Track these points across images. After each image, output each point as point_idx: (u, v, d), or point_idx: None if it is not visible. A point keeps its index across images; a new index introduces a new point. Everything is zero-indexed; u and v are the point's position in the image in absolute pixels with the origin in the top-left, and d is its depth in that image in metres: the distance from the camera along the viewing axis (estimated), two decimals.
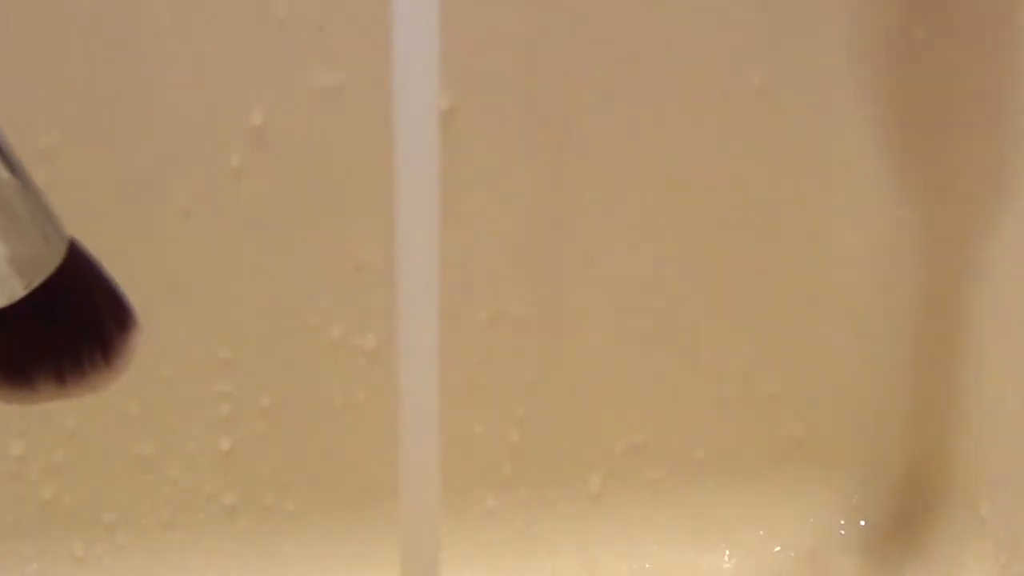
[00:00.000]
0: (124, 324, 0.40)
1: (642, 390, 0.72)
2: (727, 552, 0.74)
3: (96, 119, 0.64)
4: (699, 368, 0.72)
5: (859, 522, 0.74)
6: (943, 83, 0.68)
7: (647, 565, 0.73)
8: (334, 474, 0.72)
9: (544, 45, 0.67)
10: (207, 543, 0.71)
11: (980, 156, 0.68)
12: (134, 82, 0.64)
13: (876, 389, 0.73)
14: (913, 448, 0.73)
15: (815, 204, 0.71)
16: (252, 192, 0.67)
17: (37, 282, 0.38)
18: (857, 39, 0.68)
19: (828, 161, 0.70)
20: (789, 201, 0.70)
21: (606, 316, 0.71)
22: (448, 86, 0.60)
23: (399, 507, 0.72)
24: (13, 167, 0.38)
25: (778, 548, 0.74)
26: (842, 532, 0.74)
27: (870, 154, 0.69)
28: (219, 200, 0.66)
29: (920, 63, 0.68)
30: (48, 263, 0.38)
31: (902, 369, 0.72)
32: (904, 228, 0.70)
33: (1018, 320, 0.67)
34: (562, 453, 0.73)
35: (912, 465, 0.73)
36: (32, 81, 0.63)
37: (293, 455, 0.71)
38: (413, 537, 0.54)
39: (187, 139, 0.65)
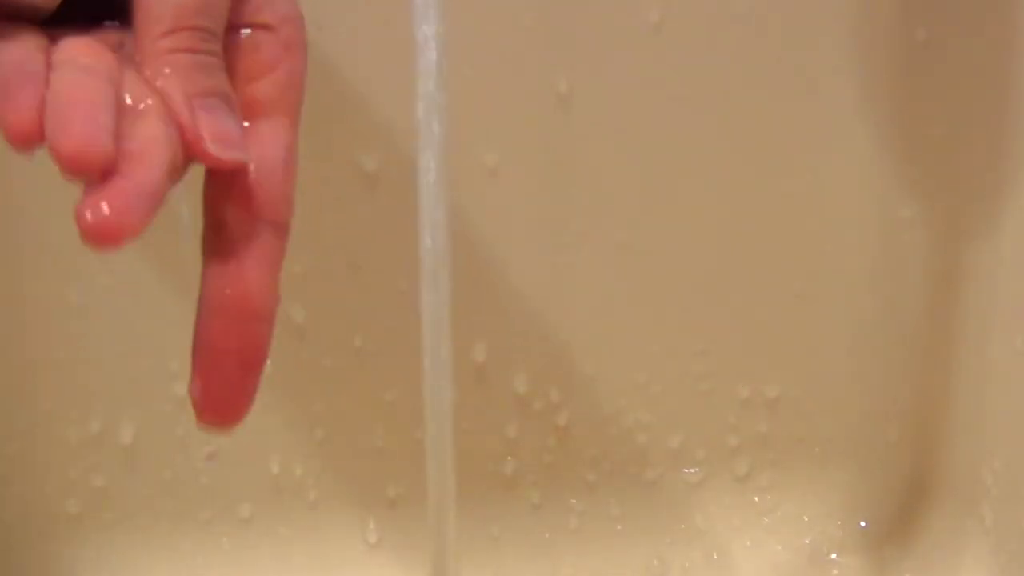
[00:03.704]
0: None
1: (642, 391, 0.72)
2: (727, 551, 0.74)
3: None
4: (699, 368, 0.72)
5: (859, 522, 0.74)
6: (943, 83, 0.68)
7: (646, 564, 0.73)
8: (331, 475, 0.72)
9: (544, 40, 0.67)
10: (219, 547, 0.72)
11: (980, 156, 0.68)
12: None
13: (876, 389, 0.73)
14: (913, 448, 0.73)
15: (814, 204, 0.71)
16: None
17: None
18: (857, 39, 0.68)
19: (828, 161, 0.70)
20: (788, 201, 0.70)
21: (605, 317, 0.71)
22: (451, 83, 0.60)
23: (386, 509, 0.72)
24: None
25: (778, 548, 0.74)
26: (842, 532, 0.74)
27: (870, 154, 0.69)
28: None
29: (920, 63, 0.68)
30: None
31: (902, 369, 0.72)
32: (904, 228, 0.70)
33: (1018, 320, 0.67)
34: (562, 452, 0.73)
35: (912, 465, 0.73)
36: None
37: (292, 456, 0.71)
38: (438, 537, 0.54)
39: None
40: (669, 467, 0.73)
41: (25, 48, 0.39)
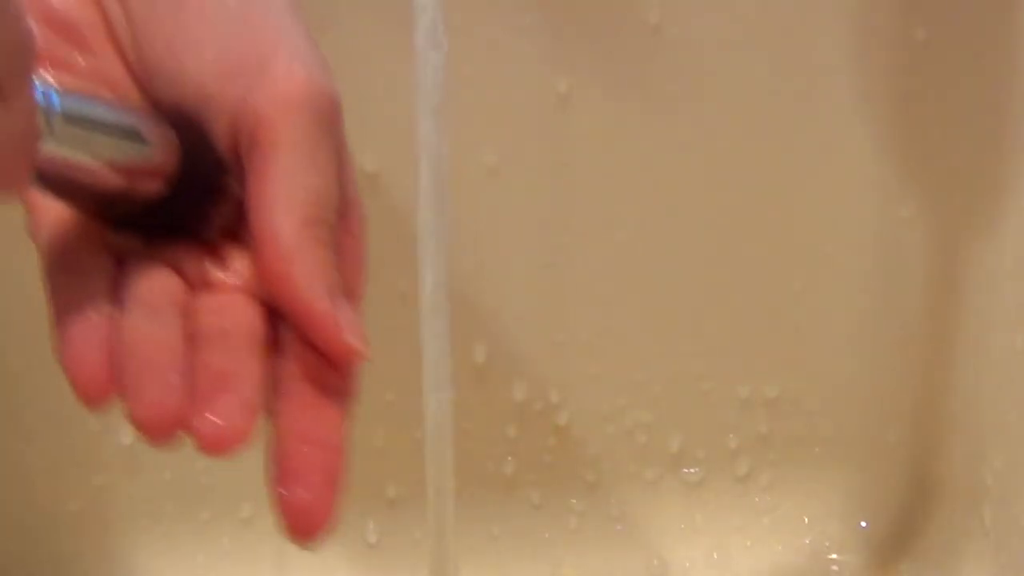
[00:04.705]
0: None
1: (642, 390, 0.72)
2: (727, 552, 0.74)
3: None
4: (699, 368, 0.72)
5: (859, 522, 0.74)
6: (943, 83, 0.68)
7: (646, 564, 0.73)
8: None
9: (544, 40, 0.67)
10: (219, 547, 0.72)
11: (980, 156, 0.68)
12: None
13: (876, 389, 0.73)
14: (913, 448, 0.73)
15: (815, 204, 0.71)
16: None
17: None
18: (857, 39, 0.68)
19: (828, 161, 0.70)
20: (789, 201, 0.70)
21: (605, 317, 0.71)
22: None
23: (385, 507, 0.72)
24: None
25: (779, 548, 0.74)
26: (842, 532, 0.74)
27: (870, 154, 0.69)
28: None
29: (920, 63, 0.68)
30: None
31: (902, 369, 0.72)
32: (904, 228, 0.70)
33: (1018, 320, 0.67)
34: (562, 452, 0.73)
35: (912, 465, 0.73)
36: None
37: None
38: (437, 538, 0.54)
39: None
40: (669, 467, 0.73)
41: (91, 291, 0.40)
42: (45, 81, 0.39)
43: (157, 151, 0.41)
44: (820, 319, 0.72)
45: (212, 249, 0.42)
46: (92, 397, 0.38)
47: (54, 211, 0.41)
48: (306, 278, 0.40)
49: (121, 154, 0.40)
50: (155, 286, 0.40)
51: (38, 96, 0.37)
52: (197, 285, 0.41)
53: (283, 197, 0.40)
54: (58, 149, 0.38)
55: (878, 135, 0.69)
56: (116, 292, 0.40)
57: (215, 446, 0.38)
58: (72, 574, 0.71)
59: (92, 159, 0.39)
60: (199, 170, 0.41)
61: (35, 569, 0.70)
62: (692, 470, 0.74)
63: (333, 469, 0.40)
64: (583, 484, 0.73)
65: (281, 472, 0.40)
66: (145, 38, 0.42)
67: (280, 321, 0.41)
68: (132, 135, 0.40)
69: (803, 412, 0.73)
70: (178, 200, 0.41)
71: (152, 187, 0.41)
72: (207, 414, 0.38)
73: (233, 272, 0.42)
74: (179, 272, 0.41)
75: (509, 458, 0.72)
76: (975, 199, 0.68)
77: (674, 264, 0.71)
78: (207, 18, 0.41)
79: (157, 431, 0.38)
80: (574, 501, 0.73)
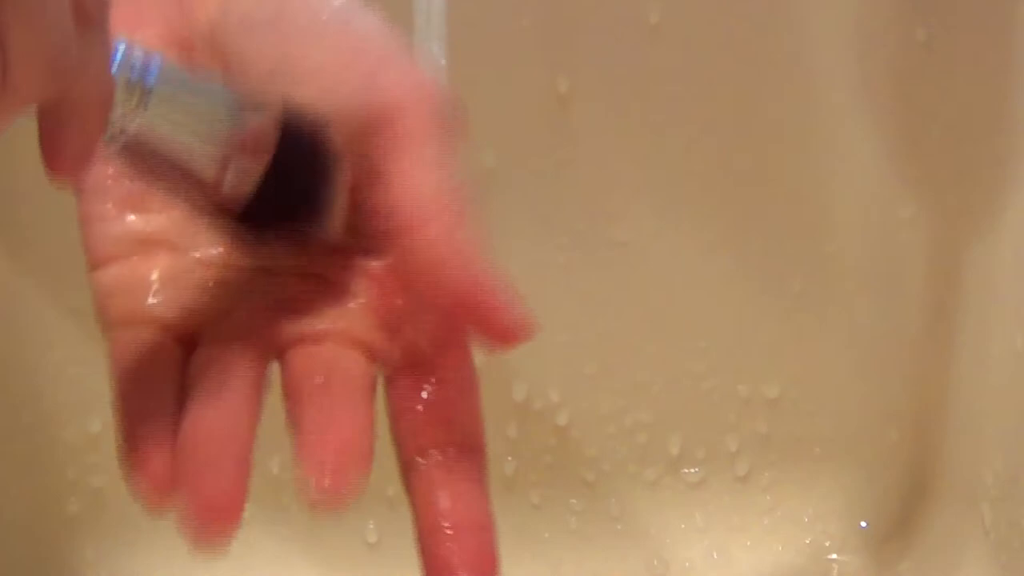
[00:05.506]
0: None
1: (642, 391, 0.72)
2: (727, 552, 0.74)
3: None
4: (699, 368, 0.72)
5: (859, 522, 0.74)
6: (943, 83, 0.68)
7: (646, 564, 0.73)
8: None
9: (544, 40, 0.67)
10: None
11: (980, 156, 0.68)
12: None
13: (876, 389, 0.73)
14: (913, 448, 0.73)
15: (815, 204, 0.71)
16: None
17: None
18: (857, 39, 0.68)
19: (828, 161, 0.70)
20: (788, 201, 0.71)
21: (605, 317, 0.71)
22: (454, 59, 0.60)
23: None
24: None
25: (779, 548, 0.74)
26: (842, 532, 0.74)
27: (870, 154, 0.69)
28: None
29: (920, 63, 0.68)
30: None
31: (902, 369, 0.72)
32: (904, 228, 0.70)
33: (1018, 320, 0.67)
34: (561, 452, 0.73)
35: (912, 465, 0.73)
36: None
37: (292, 456, 0.71)
38: None
39: None
40: (669, 467, 0.73)
41: (155, 377, 0.39)
42: (147, 47, 0.37)
43: (257, 129, 0.39)
44: (820, 319, 0.72)
45: (307, 287, 0.42)
46: (154, 499, 0.38)
47: (119, 309, 0.41)
48: (458, 240, 0.40)
49: (219, 128, 0.38)
50: (226, 360, 0.40)
51: (137, 57, 0.36)
52: (287, 341, 0.41)
53: (423, 170, 0.40)
54: (154, 118, 0.37)
55: (878, 135, 0.69)
56: (184, 380, 0.39)
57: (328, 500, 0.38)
58: (72, 574, 0.71)
59: (189, 135, 0.38)
60: (300, 172, 0.40)
61: (35, 570, 0.70)
62: (692, 470, 0.74)
63: (486, 557, 0.41)
64: (583, 484, 0.73)
65: (431, 568, 0.39)
66: (243, 69, 0.41)
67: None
68: (232, 109, 0.39)
69: (803, 412, 0.73)
70: (277, 201, 0.40)
71: (251, 170, 0.39)
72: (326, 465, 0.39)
73: (328, 316, 0.42)
74: (266, 327, 0.41)
75: (509, 458, 0.72)
76: (975, 199, 0.68)
77: (674, 264, 0.71)
78: (309, 45, 0.40)
79: (212, 523, 0.38)
80: (574, 501, 0.73)
